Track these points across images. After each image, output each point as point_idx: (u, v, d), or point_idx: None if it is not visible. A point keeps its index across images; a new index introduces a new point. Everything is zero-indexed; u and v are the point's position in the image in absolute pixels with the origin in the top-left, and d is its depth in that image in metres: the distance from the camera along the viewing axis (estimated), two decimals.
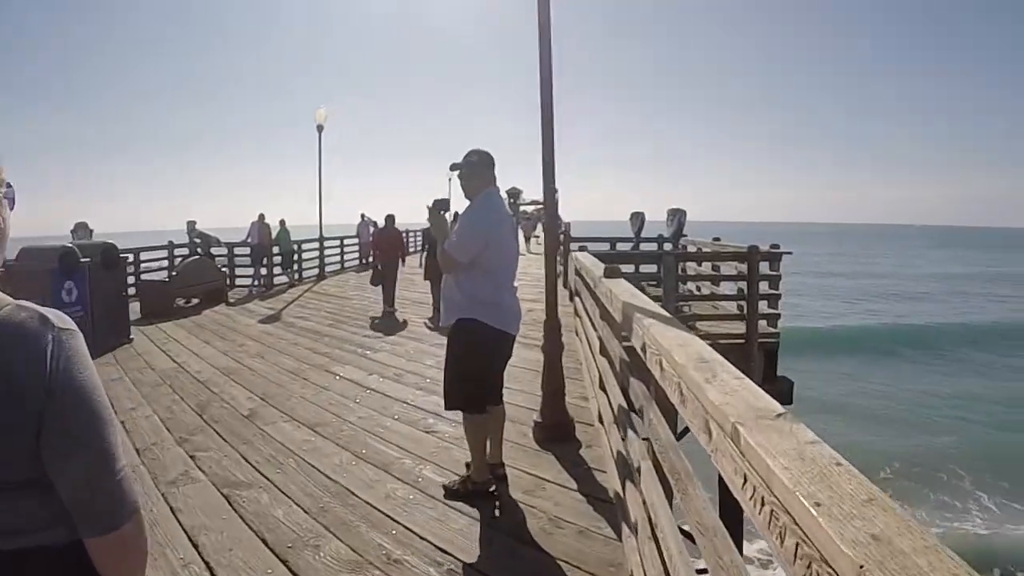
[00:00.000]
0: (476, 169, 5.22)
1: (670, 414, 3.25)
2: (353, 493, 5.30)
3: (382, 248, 17.06)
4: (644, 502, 3.45)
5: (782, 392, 10.64)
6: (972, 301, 56.99)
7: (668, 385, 2.55)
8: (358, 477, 5.66)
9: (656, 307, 3.81)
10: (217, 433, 6.94)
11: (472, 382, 5.06)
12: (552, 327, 6.54)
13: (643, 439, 3.64)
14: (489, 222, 5.11)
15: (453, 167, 5.33)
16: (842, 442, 20.10)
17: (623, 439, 4.38)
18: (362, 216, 31.38)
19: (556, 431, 6.29)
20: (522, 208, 44.27)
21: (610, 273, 5.94)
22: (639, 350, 3.26)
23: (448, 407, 5.32)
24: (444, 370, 5.25)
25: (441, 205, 5.27)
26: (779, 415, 1.73)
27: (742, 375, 2.17)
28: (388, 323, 14.66)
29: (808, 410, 19.70)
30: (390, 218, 17.40)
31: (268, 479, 5.65)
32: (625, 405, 4.45)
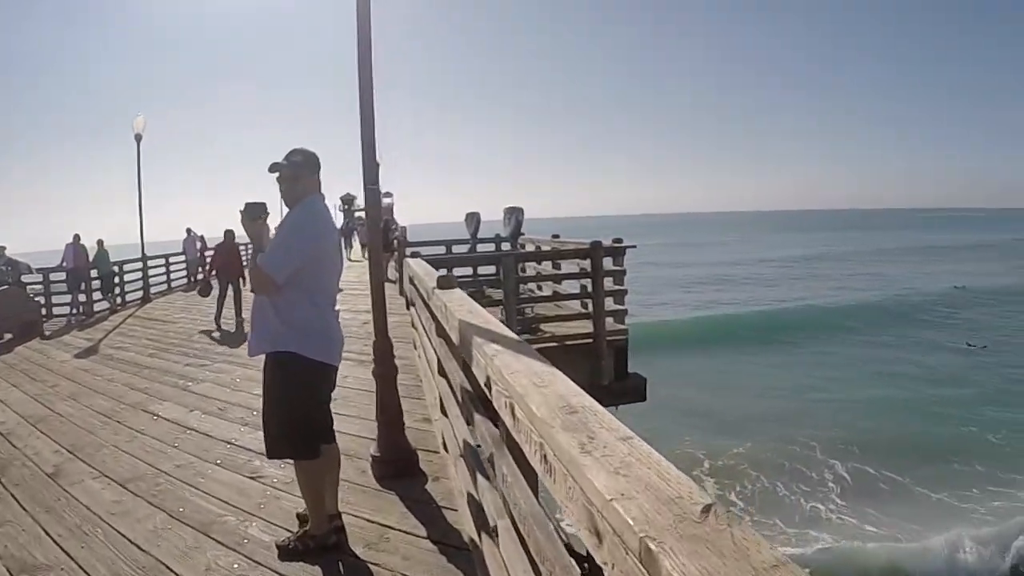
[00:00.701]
0: (300, 171, 4.38)
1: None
2: (168, 568, 4.40)
3: (219, 265, 16.17)
4: (505, 564, 2.84)
5: (635, 389, 10.41)
6: (816, 283, 60.50)
7: (525, 441, 1.97)
8: (174, 545, 4.74)
9: (500, 327, 3.20)
10: (16, 500, 5.81)
11: (298, 425, 4.28)
12: (383, 348, 5.79)
13: (497, 491, 3.02)
14: (312, 234, 4.29)
15: (273, 168, 4.40)
16: (706, 442, 20.79)
17: (473, 482, 3.74)
18: (188, 231, 29.32)
19: (397, 466, 5.60)
20: (357, 214, 43.09)
21: (444, 283, 5.33)
22: (482, 384, 2.67)
23: (272, 456, 4.48)
24: (263, 413, 4.40)
25: (255, 211, 4.41)
26: (706, 509, 1.17)
27: (627, 431, 1.61)
28: (214, 346, 13.54)
29: (663, 407, 20.32)
30: (229, 233, 16.40)
31: (71, 557, 4.65)
32: (471, 442, 3.82)
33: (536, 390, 1.93)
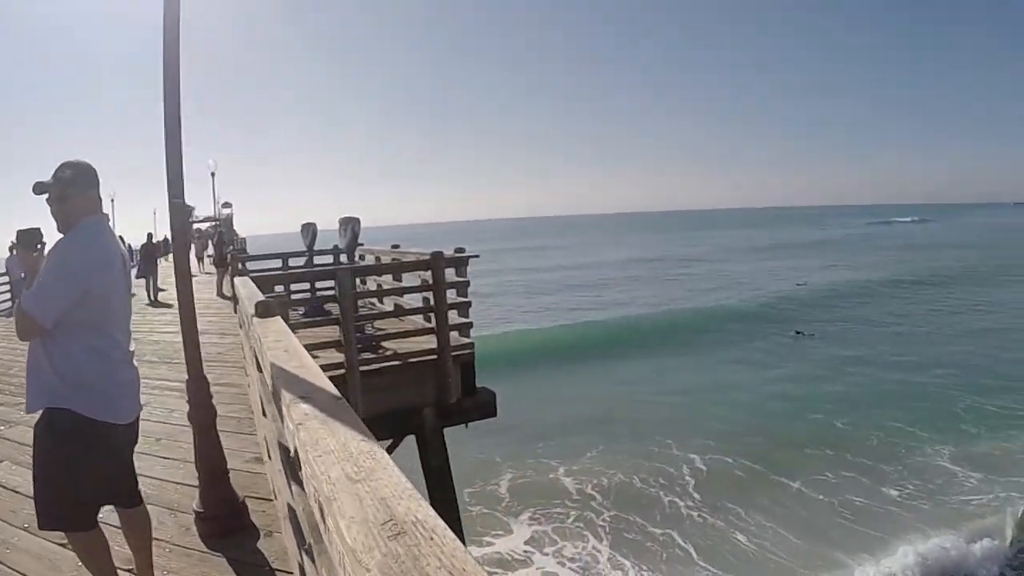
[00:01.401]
0: (68, 189, 3.65)
1: None
2: None
3: None
4: None
5: (484, 404, 10.01)
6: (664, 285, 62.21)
7: (339, 564, 1.43)
8: None
9: (316, 375, 2.67)
10: None
11: (67, 493, 3.62)
12: (198, 390, 5.08)
13: None
14: (83, 266, 3.56)
15: (37, 189, 3.63)
16: (560, 451, 20.84)
17: (299, 554, 3.15)
18: (11, 248, 26.10)
19: (223, 522, 4.93)
20: (196, 226, 41.03)
21: (263, 311, 4.72)
22: (292, 457, 2.13)
23: (42, 527, 3.78)
24: (33, 475, 3.67)
25: (29, 239, 3.79)
26: None
27: (472, 565, 1.11)
28: None
29: (514, 420, 20.30)
30: None
31: None
32: (295, 507, 3.21)
33: (350, 490, 1.42)
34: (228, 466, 5.32)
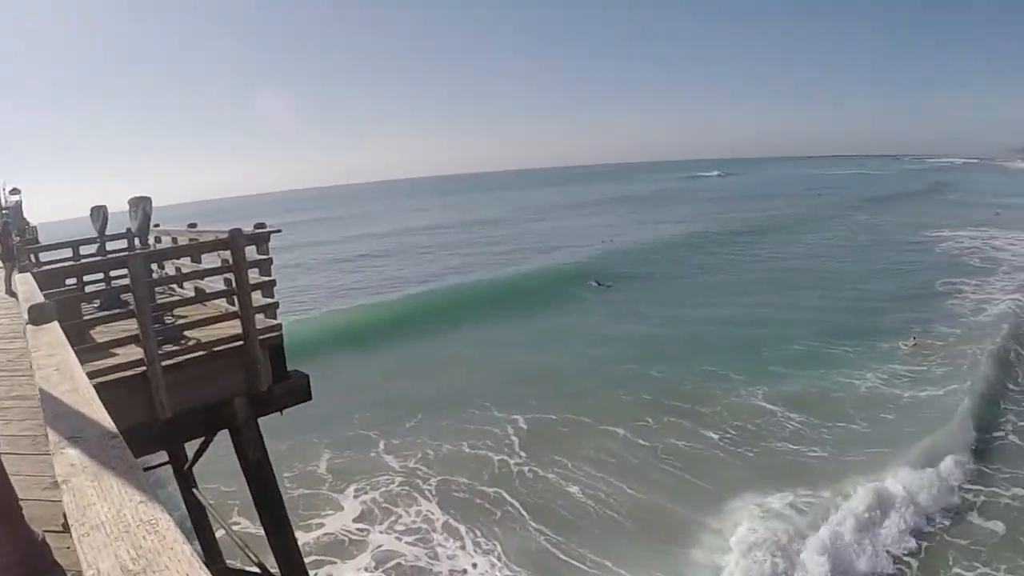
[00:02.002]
0: None
1: None
2: None
3: None
4: None
5: (299, 389, 9.37)
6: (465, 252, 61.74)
7: None
8: None
9: (91, 405, 2.16)
10: None
11: None
12: None
13: None
14: None
15: None
16: (379, 424, 20.40)
17: None
18: None
19: (22, 569, 4.04)
20: None
21: (38, 316, 3.95)
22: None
23: None
24: None
25: None
26: None
27: None
28: None
29: (331, 400, 20.11)
30: None
31: None
32: None
33: None
34: (21, 498, 4.45)
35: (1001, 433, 18.85)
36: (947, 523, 14.99)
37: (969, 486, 16.24)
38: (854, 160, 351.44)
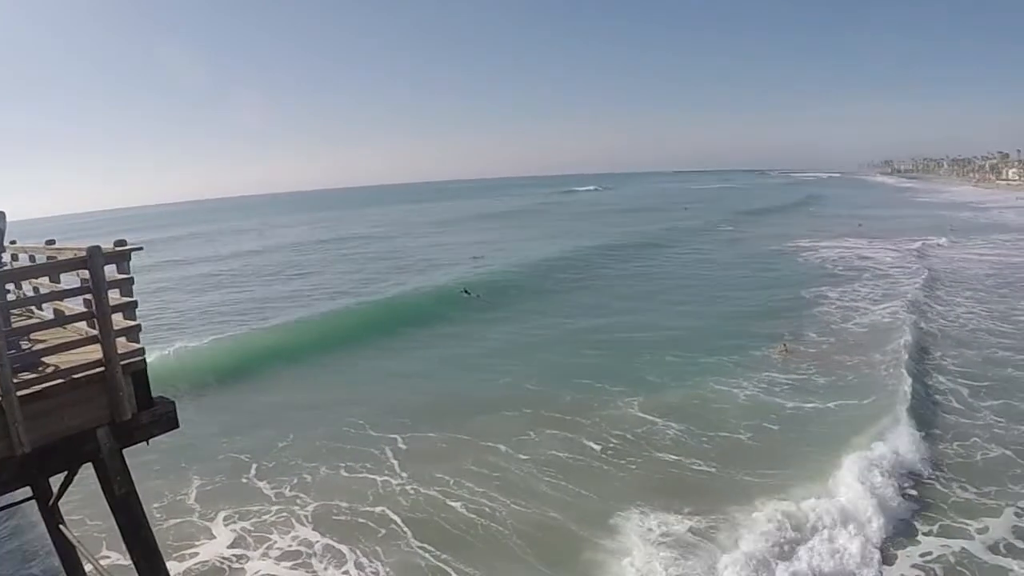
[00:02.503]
0: None
1: None
2: None
3: None
4: None
5: (165, 416, 8.96)
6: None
7: None
8: None
9: None
10: None
11: None
12: None
13: None
14: None
15: None
16: (251, 446, 19.80)
17: None
18: None
19: None
20: None
21: None
22: None
23: None
24: None
25: None
26: None
27: None
28: None
29: (200, 431, 19.96)
30: None
31: None
32: None
33: None
34: None
35: (902, 445, 18.89)
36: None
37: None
38: (720, 174, 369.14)
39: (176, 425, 9.11)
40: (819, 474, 17.39)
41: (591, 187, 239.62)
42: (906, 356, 25.98)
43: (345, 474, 18.89)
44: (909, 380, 23.10)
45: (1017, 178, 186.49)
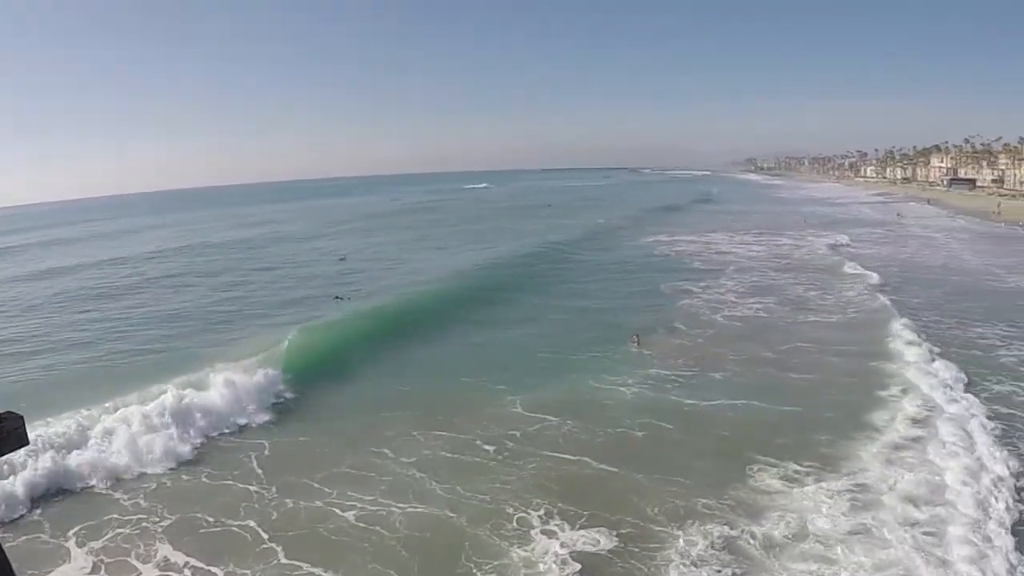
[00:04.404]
0: None
1: None
2: None
3: None
4: None
5: (14, 433, 8.08)
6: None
7: None
8: None
9: None
10: None
11: None
12: None
13: None
14: None
15: None
16: None
17: None
18: None
19: None
20: None
21: None
22: None
23: None
24: None
25: None
26: None
27: None
28: None
29: None
30: None
31: None
32: None
33: None
34: None
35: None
36: None
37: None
38: (600, 172, 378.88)
39: (26, 442, 8.30)
40: (717, 473, 17.44)
41: (484, 184, 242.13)
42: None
43: (207, 481, 17.89)
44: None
45: (874, 175, 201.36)
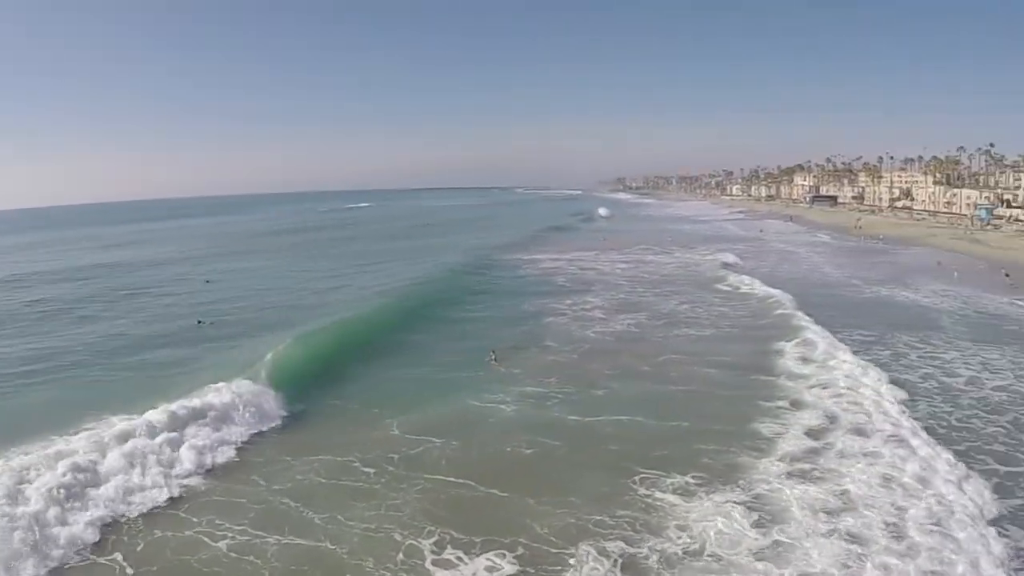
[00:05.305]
0: None
1: None
2: None
3: None
4: None
5: None
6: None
7: None
8: None
9: None
10: None
11: None
12: None
13: None
14: None
15: None
16: None
17: None
18: None
19: None
20: None
21: None
22: None
23: None
24: None
25: None
26: None
27: None
28: None
29: None
30: None
31: None
32: None
33: None
34: None
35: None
36: None
37: None
38: (473, 191, 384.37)
39: None
40: (608, 489, 17.17)
41: (364, 204, 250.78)
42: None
43: None
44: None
45: (740, 193, 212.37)
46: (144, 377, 27.19)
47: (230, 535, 15.35)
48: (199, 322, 38.48)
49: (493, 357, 28.66)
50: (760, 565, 13.87)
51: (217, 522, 15.89)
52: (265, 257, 74.73)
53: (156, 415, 20.56)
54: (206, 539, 15.21)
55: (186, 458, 18.90)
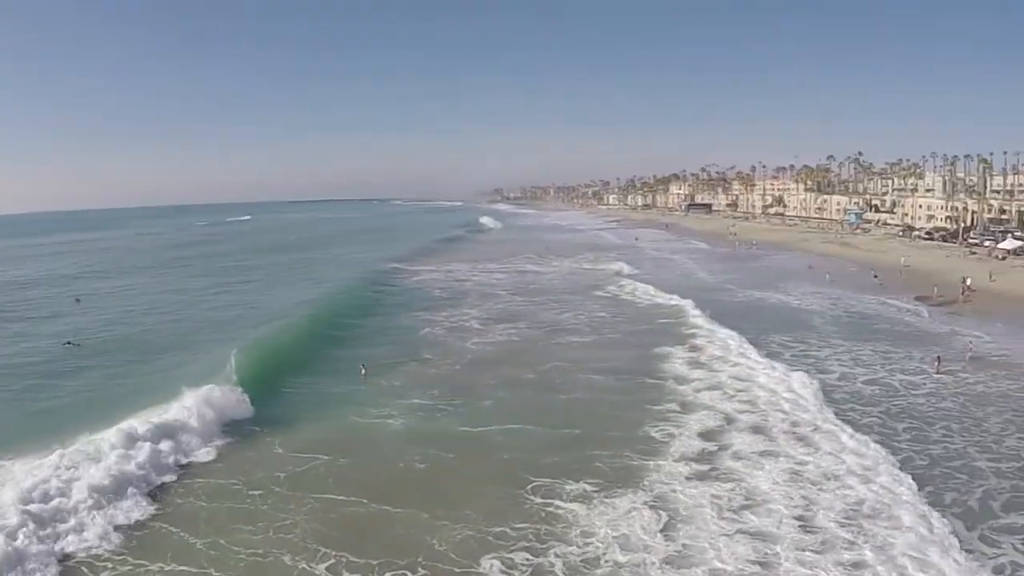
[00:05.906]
0: None
1: None
2: None
3: None
4: None
5: None
6: None
7: None
8: None
9: None
10: None
11: None
12: None
13: None
14: None
15: None
16: None
17: None
18: None
19: None
20: None
21: None
22: None
23: None
24: None
25: None
26: None
27: None
28: None
29: None
30: None
31: None
32: None
33: None
34: None
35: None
36: None
37: None
38: (350, 204, 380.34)
39: None
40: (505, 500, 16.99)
41: (247, 216, 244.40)
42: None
43: None
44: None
45: (617, 203, 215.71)
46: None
47: (110, 566, 14.44)
48: (67, 343, 35.89)
49: (363, 370, 28.47)
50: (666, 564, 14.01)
51: (95, 552, 14.85)
52: (143, 275, 69.06)
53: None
54: (86, 571, 14.28)
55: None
